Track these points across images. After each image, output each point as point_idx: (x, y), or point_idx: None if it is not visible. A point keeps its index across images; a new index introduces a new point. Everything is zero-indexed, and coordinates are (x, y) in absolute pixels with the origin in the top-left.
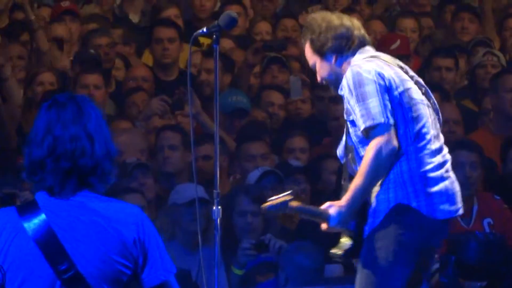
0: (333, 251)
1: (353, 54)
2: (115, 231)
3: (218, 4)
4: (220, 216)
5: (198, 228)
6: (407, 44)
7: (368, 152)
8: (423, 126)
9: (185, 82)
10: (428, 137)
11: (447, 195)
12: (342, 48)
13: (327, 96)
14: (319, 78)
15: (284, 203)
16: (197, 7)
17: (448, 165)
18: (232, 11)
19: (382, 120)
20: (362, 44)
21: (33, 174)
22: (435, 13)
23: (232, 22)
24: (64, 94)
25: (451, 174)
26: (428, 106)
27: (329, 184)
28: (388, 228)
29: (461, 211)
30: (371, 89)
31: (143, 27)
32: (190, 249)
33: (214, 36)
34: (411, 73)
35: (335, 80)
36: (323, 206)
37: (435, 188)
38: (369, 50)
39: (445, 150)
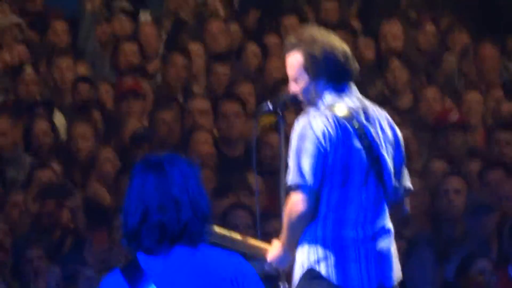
0: None
1: (330, 86)
2: (212, 284)
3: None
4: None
5: None
6: (465, 115)
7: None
8: (348, 194)
9: (250, 157)
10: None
11: (359, 266)
12: (333, 77)
13: None
14: (295, 91)
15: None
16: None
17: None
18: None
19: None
20: (344, 78)
21: (130, 241)
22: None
23: (295, 98)
24: (150, 159)
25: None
26: (367, 175)
27: None
28: None
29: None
30: (309, 147)
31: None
32: None
33: (279, 111)
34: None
35: (309, 101)
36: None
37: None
38: (339, 92)
39: (380, 224)
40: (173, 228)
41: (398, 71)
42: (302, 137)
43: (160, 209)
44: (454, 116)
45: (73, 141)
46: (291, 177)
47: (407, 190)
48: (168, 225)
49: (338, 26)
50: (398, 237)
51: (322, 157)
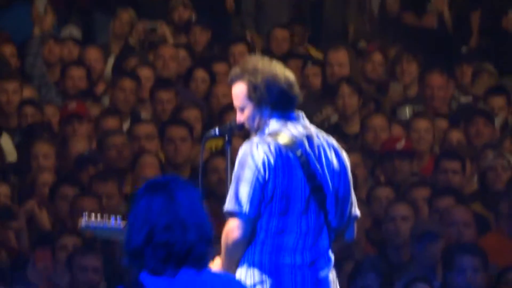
0: None
1: (275, 114)
2: None
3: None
4: None
5: None
6: (411, 142)
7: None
8: (287, 221)
9: (196, 182)
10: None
11: None
12: (277, 105)
13: None
14: (242, 120)
15: None
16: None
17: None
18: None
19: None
20: (289, 105)
21: (133, 260)
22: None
23: (242, 125)
24: (157, 181)
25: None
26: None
27: None
28: None
29: None
30: (248, 175)
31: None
32: None
33: (226, 137)
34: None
35: (254, 129)
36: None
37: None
38: (284, 120)
39: (319, 251)
40: (179, 249)
41: (348, 97)
42: (242, 165)
43: (167, 229)
44: (401, 144)
45: (35, 160)
46: (229, 204)
47: (354, 217)
48: (174, 246)
49: (288, 55)
50: (347, 258)
51: (260, 186)
